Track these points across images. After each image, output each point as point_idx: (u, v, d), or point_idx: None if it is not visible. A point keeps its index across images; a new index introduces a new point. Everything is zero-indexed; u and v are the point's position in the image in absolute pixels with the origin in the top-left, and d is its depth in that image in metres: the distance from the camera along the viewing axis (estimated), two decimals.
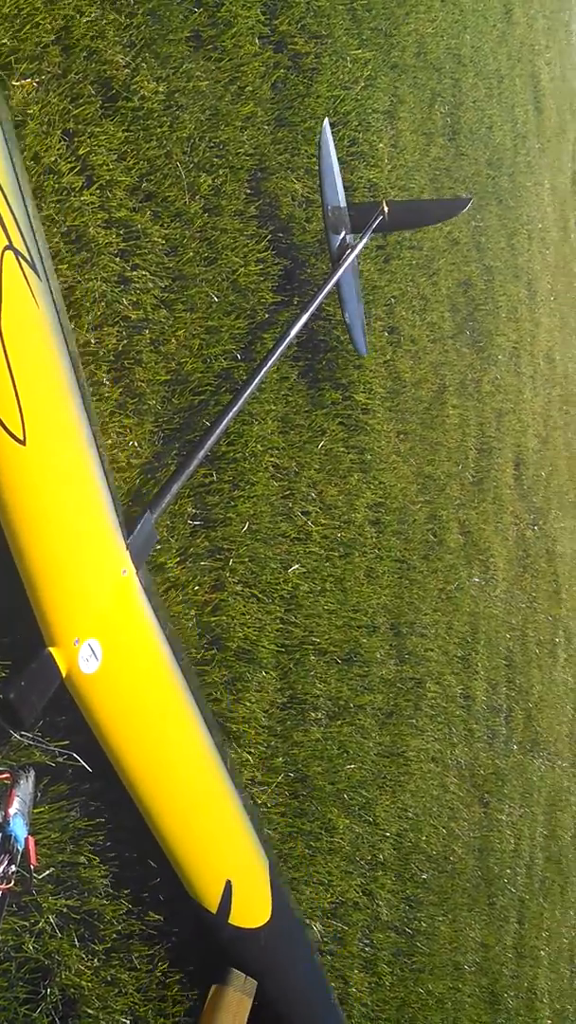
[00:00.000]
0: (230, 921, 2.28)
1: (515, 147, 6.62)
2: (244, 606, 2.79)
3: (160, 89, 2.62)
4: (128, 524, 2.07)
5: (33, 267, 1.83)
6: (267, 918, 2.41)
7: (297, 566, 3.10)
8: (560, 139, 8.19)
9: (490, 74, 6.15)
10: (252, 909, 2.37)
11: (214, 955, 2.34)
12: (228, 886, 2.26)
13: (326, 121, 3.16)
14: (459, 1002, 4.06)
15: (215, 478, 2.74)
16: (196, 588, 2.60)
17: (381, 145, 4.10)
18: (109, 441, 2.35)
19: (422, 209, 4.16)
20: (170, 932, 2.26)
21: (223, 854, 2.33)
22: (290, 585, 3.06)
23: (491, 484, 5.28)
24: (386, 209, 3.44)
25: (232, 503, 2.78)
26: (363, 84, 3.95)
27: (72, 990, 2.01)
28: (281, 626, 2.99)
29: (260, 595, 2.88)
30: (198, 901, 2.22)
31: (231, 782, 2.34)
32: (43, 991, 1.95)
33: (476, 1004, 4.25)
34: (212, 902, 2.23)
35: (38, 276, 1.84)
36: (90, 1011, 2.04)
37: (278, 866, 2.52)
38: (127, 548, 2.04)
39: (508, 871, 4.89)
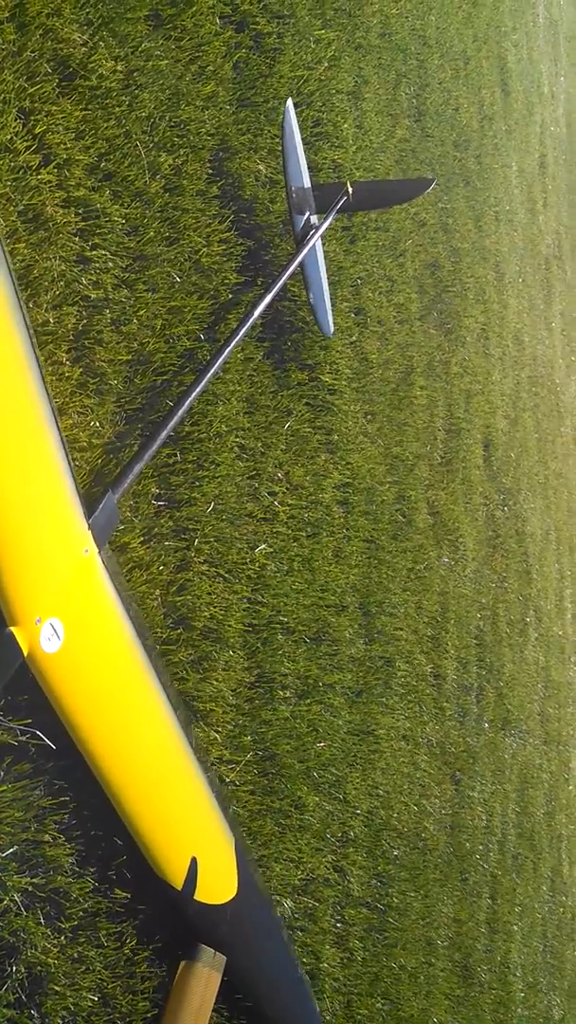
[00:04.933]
0: (196, 897, 2.29)
1: (482, 129, 6.62)
2: (210, 586, 2.80)
3: (119, 68, 2.61)
4: (90, 504, 2.07)
5: None
6: (233, 894, 2.43)
7: (264, 546, 3.11)
8: (527, 121, 8.20)
9: (456, 56, 6.15)
10: (218, 885, 2.39)
11: (182, 932, 2.36)
12: (193, 863, 2.27)
13: (289, 101, 3.15)
14: (432, 976, 4.11)
15: (179, 458, 2.74)
16: (161, 568, 2.60)
17: (345, 126, 4.09)
18: (70, 421, 2.34)
19: (386, 190, 4.15)
20: (137, 909, 2.27)
21: (187, 831, 2.35)
22: (257, 565, 3.07)
23: (460, 465, 5.31)
24: (350, 190, 3.44)
25: (197, 483, 2.79)
26: (327, 65, 3.94)
27: (39, 968, 2.02)
28: (248, 606, 3.00)
29: (226, 575, 2.89)
30: (163, 878, 2.23)
31: (196, 760, 2.36)
32: (9, 969, 1.95)
33: (449, 978, 4.30)
34: (177, 879, 2.25)
35: None
36: (57, 988, 2.05)
37: (244, 843, 2.53)
38: (89, 527, 2.05)
39: (480, 847, 4.94)
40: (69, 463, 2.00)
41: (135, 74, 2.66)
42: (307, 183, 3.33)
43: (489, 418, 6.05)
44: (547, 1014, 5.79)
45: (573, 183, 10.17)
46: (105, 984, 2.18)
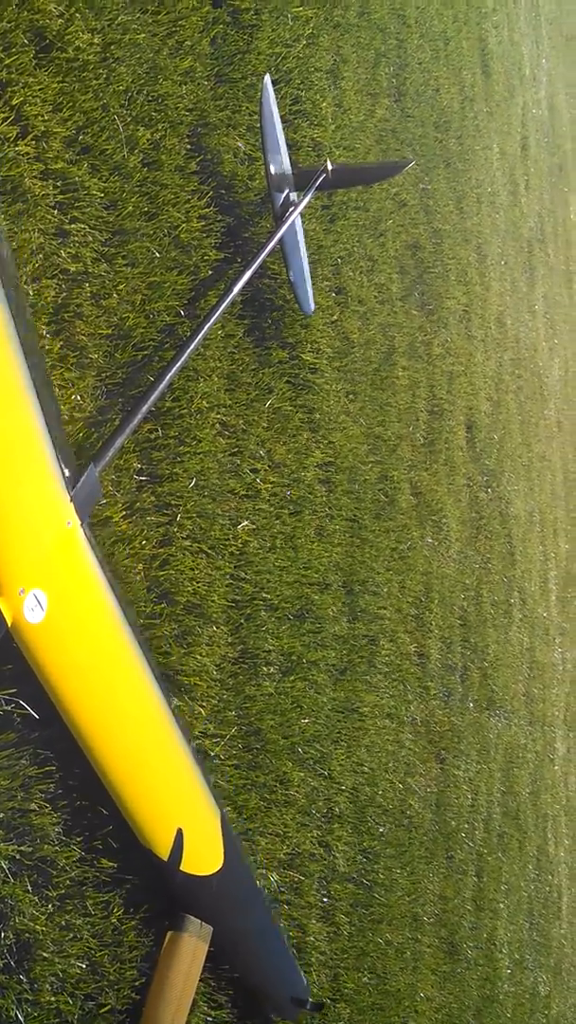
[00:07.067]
0: (182, 868, 2.31)
1: (463, 110, 6.63)
2: (193, 561, 2.80)
3: (95, 41, 2.60)
4: (72, 477, 2.08)
5: None
6: (219, 866, 2.44)
7: (246, 523, 3.12)
8: (508, 103, 8.21)
9: (436, 36, 6.14)
10: (203, 857, 2.41)
11: (169, 902, 2.38)
12: (179, 834, 2.29)
13: (267, 76, 3.15)
14: (418, 952, 4.14)
15: (160, 434, 2.74)
16: (143, 542, 2.61)
17: (324, 104, 4.09)
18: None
19: (365, 168, 4.17)
20: (124, 879, 2.28)
21: (173, 803, 2.36)
22: (239, 541, 3.08)
23: (443, 446, 5.33)
24: (329, 167, 3.45)
25: (178, 459, 2.79)
26: (305, 42, 3.93)
27: (27, 935, 2.03)
28: (231, 582, 3.01)
29: (209, 551, 2.89)
30: (149, 848, 2.25)
31: (180, 733, 2.37)
32: None
33: (435, 954, 4.34)
34: (163, 850, 2.26)
35: None
36: (46, 955, 2.06)
37: (229, 816, 2.55)
38: (71, 500, 2.05)
39: (466, 826, 4.98)
40: (52, 438, 2.00)
41: (112, 47, 2.65)
42: (286, 160, 3.33)
43: (472, 400, 6.07)
44: (533, 990, 5.85)
45: (555, 166, 10.19)
46: (93, 952, 2.19)
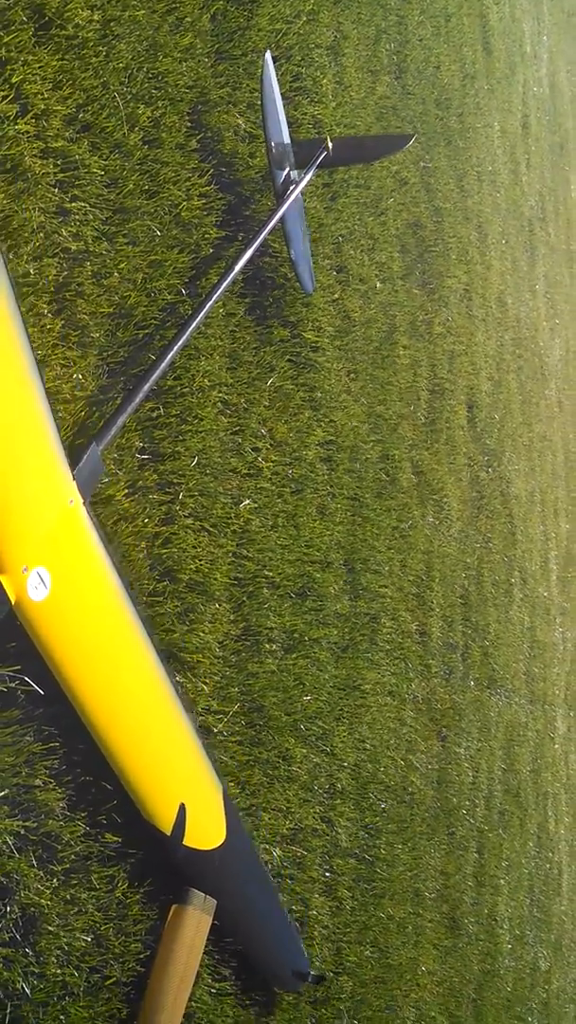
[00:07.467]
0: (185, 843, 2.33)
1: (464, 88, 6.59)
2: (195, 539, 2.81)
3: (95, 18, 2.59)
4: (74, 455, 2.09)
5: None
6: (221, 840, 2.47)
7: (248, 501, 3.13)
8: (509, 81, 8.15)
9: (437, 12, 6.10)
10: (206, 831, 2.43)
11: (174, 876, 2.40)
12: (182, 809, 2.31)
13: (267, 53, 3.14)
14: (420, 927, 4.18)
15: (162, 412, 2.75)
16: (146, 521, 2.62)
17: (325, 81, 4.07)
18: (52, 373, 2.34)
19: (366, 144, 4.14)
20: (128, 854, 2.31)
21: (176, 778, 2.38)
22: (241, 520, 3.09)
23: (444, 425, 5.33)
24: (330, 144, 3.43)
25: (180, 438, 2.80)
26: (305, 18, 3.91)
27: (32, 908, 2.06)
28: (233, 560, 3.02)
29: (211, 529, 2.90)
30: (153, 823, 2.27)
31: (183, 709, 2.38)
32: (3, 909, 1.99)
33: (437, 929, 4.38)
34: (166, 824, 2.29)
35: None
36: (51, 928, 2.09)
37: (232, 791, 2.57)
38: (73, 478, 2.06)
39: (467, 803, 5.01)
40: (55, 417, 2.01)
41: (111, 24, 2.64)
42: (287, 138, 3.32)
43: (473, 379, 6.06)
44: (534, 965, 5.90)
45: (556, 145, 10.12)
46: (98, 925, 2.22)
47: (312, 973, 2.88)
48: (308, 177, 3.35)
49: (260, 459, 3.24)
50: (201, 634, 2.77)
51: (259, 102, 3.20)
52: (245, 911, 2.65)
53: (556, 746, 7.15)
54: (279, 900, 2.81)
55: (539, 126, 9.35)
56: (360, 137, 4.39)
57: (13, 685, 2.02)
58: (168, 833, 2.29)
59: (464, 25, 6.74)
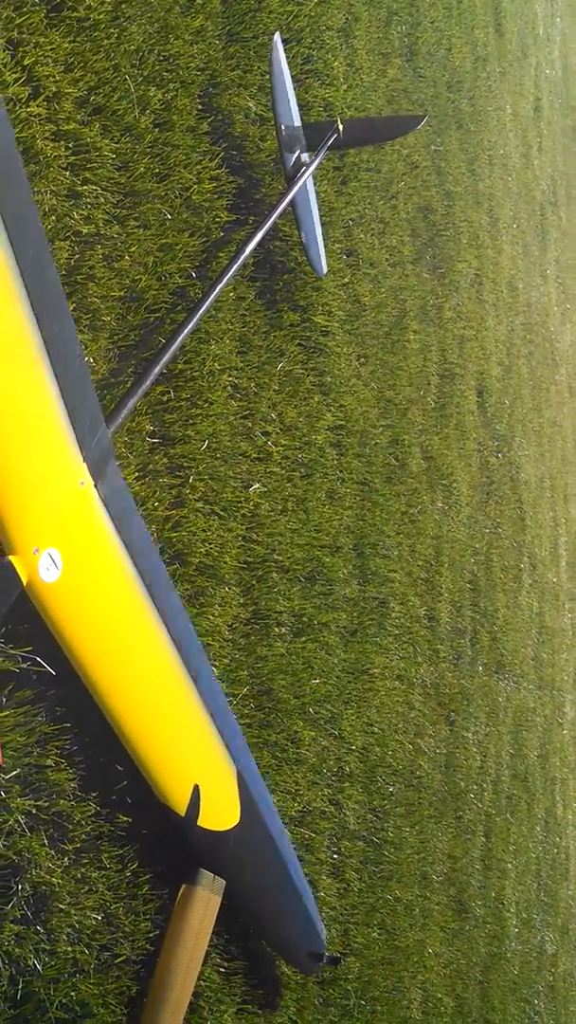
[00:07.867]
0: (199, 824, 2.35)
1: (475, 70, 6.54)
2: (205, 523, 2.82)
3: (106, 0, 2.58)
4: (84, 438, 2.09)
5: None
6: (236, 821, 2.48)
7: (258, 485, 3.14)
8: (522, 63, 8.10)
9: None
10: (221, 812, 2.45)
11: (183, 856, 2.42)
12: (196, 790, 2.33)
13: (277, 35, 3.12)
14: (427, 909, 4.20)
15: (173, 396, 2.76)
16: (156, 504, 2.63)
17: (336, 64, 4.05)
18: None
19: (377, 126, 4.12)
20: (139, 834, 2.33)
21: (189, 759, 2.40)
22: (251, 504, 3.10)
23: (454, 410, 5.32)
24: (341, 127, 3.41)
25: (190, 421, 2.80)
26: (316, 0, 3.88)
27: (43, 887, 2.08)
28: (243, 544, 3.03)
29: (221, 512, 2.91)
30: (167, 804, 2.29)
31: (196, 690, 2.39)
32: (15, 887, 2.01)
33: (444, 912, 4.40)
34: (180, 805, 2.30)
35: None
36: (62, 907, 2.11)
37: (245, 772, 2.58)
38: (84, 460, 2.07)
39: (475, 787, 5.03)
40: (64, 397, 2.01)
41: (123, 6, 2.64)
42: (297, 120, 3.30)
43: (483, 364, 6.05)
44: (540, 948, 5.93)
45: (568, 128, 10.06)
46: (108, 904, 2.24)
47: (327, 954, 2.88)
48: (319, 160, 3.34)
49: (270, 443, 3.24)
50: (211, 617, 2.78)
51: (269, 84, 3.19)
52: (260, 892, 2.66)
53: (564, 731, 7.16)
54: (301, 880, 2.81)
55: (551, 109, 9.29)
56: (371, 118, 4.37)
57: (25, 666, 2.03)
58: (182, 814, 2.30)
59: (476, 7, 6.69)
